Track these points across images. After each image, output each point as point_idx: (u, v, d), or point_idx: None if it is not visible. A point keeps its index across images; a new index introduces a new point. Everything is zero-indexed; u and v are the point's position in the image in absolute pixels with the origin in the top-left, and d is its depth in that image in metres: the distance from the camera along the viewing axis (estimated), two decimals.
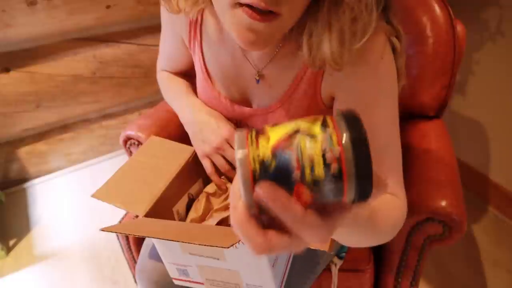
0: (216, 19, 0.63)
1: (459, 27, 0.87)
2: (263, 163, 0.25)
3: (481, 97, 1.41)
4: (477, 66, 1.36)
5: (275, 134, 0.26)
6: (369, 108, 0.55)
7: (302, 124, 0.27)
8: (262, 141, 0.26)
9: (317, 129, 0.26)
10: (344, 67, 0.51)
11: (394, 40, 0.54)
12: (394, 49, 0.54)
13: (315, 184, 0.25)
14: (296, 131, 0.26)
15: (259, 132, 0.27)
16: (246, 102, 0.69)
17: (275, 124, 0.28)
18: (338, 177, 0.25)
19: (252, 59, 0.63)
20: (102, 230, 0.52)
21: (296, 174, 0.25)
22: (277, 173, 0.25)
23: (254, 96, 0.67)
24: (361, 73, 0.54)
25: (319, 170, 0.25)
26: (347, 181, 0.25)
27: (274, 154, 0.25)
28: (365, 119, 0.55)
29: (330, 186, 0.25)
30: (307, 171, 0.25)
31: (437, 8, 0.86)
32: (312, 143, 0.25)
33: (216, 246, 0.44)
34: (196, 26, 0.67)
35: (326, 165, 0.25)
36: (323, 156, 0.25)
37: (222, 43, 0.65)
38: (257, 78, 0.64)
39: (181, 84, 0.80)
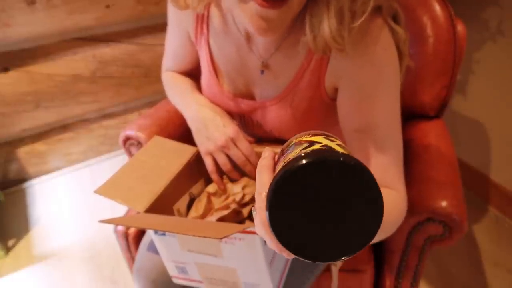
0: (221, 11, 0.64)
1: (460, 27, 0.86)
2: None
3: (481, 97, 1.41)
4: (478, 65, 1.36)
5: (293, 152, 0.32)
6: (369, 99, 0.55)
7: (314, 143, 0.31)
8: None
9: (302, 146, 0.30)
10: (344, 54, 0.51)
11: (393, 25, 0.53)
12: (395, 34, 0.54)
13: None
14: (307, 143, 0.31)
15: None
16: (250, 95, 0.69)
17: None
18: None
19: (258, 49, 0.63)
20: (101, 221, 0.53)
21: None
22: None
23: (258, 88, 0.67)
24: (361, 62, 0.54)
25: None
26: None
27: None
28: (366, 110, 0.56)
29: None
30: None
31: (437, 8, 0.86)
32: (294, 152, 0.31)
33: (209, 237, 0.44)
34: (203, 21, 0.67)
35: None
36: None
37: (227, 35, 0.65)
38: (262, 69, 0.64)
39: (186, 82, 0.80)
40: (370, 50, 0.52)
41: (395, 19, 0.54)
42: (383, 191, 0.53)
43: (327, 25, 0.49)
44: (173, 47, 0.79)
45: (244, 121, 0.73)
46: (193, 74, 0.81)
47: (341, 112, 0.59)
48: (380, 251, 0.85)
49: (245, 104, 0.69)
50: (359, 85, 0.55)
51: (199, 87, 0.78)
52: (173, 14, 0.73)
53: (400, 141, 0.57)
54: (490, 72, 1.34)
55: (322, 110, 0.63)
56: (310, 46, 0.53)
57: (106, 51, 1.62)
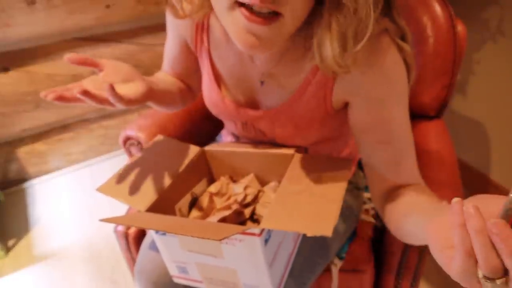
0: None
1: (460, 27, 0.86)
2: None
3: (481, 97, 1.41)
4: (478, 65, 1.36)
5: None
6: (388, 112, 0.57)
7: None
8: None
9: None
10: (353, 71, 0.51)
11: (400, 42, 0.53)
12: (401, 50, 0.54)
13: None
14: None
15: None
16: (254, 104, 0.69)
17: None
18: None
19: (260, 61, 0.63)
20: (101, 220, 0.53)
21: None
22: None
23: (261, 98, 0.67)
24: (374, 77, 0.54)
25: None
26: None
27: None
28: (386, 123, 0.57)
29: None
30: None
31: (437, 8, 0.86)
32: None
33: (208, 239, 0.44)
34: (203, 31, 0.67)
35: None
36: None
37: (230, 45, 0.65)
38: (262, 80, 0.64)
39: (160, 78, 0.78)
40: (383, 65, 0.53)
41: (403, 37, 0.55)
42: (426, 190, 0.58)
43: (330, 50, 0.48)
44: (170, 51, 0.79)
45: (246, 127, 0.72)
46: (186, 80, 0.80)
47: (359, 128, 0.60)
48: (380, 251, 0.85)
49: (247, 113, 0.69)
50: (376, 100, 0.56)
51: (190, 91, 0.80)
52: (170, 20, 0.72)
53: (414, 145, 0.62)
54: (490, 72, 1.34)
55: (325, 120, 0.64)
56: (320, 68, 0.52)
57: (106, 51, 1.62)
